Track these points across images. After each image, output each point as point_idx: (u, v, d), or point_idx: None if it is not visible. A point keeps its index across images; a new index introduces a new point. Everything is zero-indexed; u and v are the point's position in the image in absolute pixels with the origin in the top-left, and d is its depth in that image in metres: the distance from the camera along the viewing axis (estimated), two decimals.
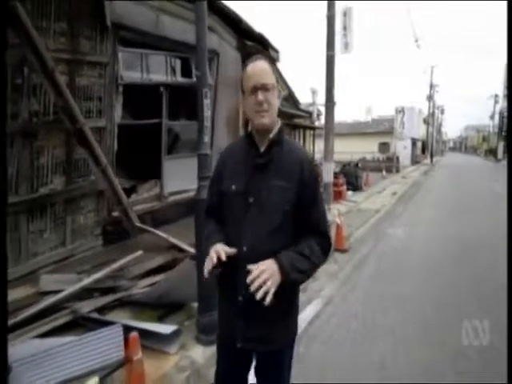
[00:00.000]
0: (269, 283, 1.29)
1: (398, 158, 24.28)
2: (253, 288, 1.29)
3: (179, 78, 6.17)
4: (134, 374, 2.22)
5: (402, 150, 28.76)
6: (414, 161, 33.60)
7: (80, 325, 3.38)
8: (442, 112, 61.48)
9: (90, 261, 4.42)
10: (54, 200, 4.29)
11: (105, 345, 2.94)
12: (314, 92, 19.21)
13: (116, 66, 4.94)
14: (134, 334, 2.31)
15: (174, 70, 6.00)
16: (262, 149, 1.52)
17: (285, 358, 1.60)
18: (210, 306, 3.08)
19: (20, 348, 2.95)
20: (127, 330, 2.97)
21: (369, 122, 35.45)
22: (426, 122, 41.96)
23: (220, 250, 1.38)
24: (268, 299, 1.29)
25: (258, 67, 1.48)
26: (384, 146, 29.28)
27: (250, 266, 1.34)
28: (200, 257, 3.00)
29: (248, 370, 1.66)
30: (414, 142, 34.31)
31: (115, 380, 2.62)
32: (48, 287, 3.68)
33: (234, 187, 1.51)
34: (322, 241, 1.51)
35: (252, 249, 1.44)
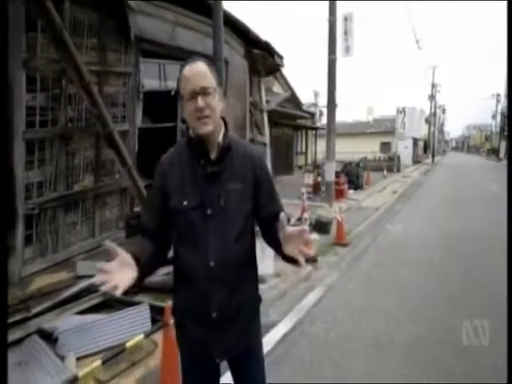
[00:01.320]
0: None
1: (399, 158, 24.46)
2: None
3: None
4: (170, 335, 2.71)
5: (404, 149, 28.91)
6: (416, 160, 33.79)
7: (109, 306, 3.85)
8: (444, 112, 61.46)
9: None
10: (85, 196, 4.80)
11: (135, 320, 3.47)
12: (316, 94, 19.61)
13: (138, 76, 5.45)
14: (169, 304, 2.79)
15: None
16: (212, 156, 1.38)
17: (260, 347, 1.61)
18: None
19: (64, 322, 3.43)
20: (152, 308, 3.49)
21: (370, 122, 35.58)
22: (427, 121, 42.16)
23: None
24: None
25: (196, 69, 1.31)
26: (385, 146, 29.46)
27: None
28: None
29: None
30: (415, 141, 34.50)
31: (154, 340, 3.15)
32: (83, 272, 4.18)
33: (186, 202, 1.35)
34: None
35: (219, 262, 1.36)
